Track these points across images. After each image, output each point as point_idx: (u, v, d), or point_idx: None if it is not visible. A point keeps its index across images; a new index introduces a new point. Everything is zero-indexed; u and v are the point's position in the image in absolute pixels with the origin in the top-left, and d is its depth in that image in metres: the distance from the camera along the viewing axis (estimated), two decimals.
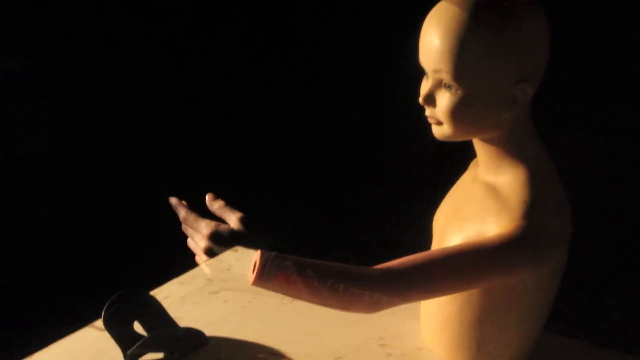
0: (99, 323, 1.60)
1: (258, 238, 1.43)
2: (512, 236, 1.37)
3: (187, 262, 1.84)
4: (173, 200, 1.56)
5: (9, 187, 3.39)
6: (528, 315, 1.49)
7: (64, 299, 2.78)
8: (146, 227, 2.96)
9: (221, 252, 1.47)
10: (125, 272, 2.78)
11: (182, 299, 1.72)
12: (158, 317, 1.56)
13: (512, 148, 1.45)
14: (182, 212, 1.52)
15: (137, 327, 1.56)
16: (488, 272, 1.38)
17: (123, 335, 1.52)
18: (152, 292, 1.75)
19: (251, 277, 1.31)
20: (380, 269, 1.34)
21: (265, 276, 1.30)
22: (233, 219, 1.46)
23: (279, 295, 1.71)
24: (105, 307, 1.52)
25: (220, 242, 1.44)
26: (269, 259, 1.30)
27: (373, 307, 1.35)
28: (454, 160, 1.68)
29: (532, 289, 1.45)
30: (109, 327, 1.51)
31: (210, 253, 1.45)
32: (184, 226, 1.50)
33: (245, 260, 1.83)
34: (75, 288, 2.82)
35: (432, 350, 1.56)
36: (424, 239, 1.64)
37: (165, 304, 1.67)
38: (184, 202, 1.57)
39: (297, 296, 1.33)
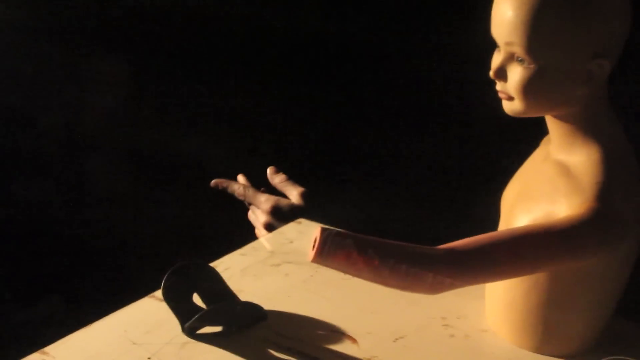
0: (159, 294, 1.59)
1: (319, 214, 1.39)
2: (584, 218, 1.31)
3: (249, 234, 1.82)
4: (218, 182, 1.52)
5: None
6: (597, 300, 1.44)
7: (125, 269, 2.78)
8: (208, 198, 2.93)
9: (281, 226, 1.44)
10: (187, 244, 2.77)
11: (242, 272, 1.69)
12: (218, 289, 1.54)
13: (587, 126, 1.39)
14: (239, 189, 1.49)
15: (197, 299, 1.54)
16: (556, 255, 1.32)
17: (182, 308, 1.50)
18: (213, 264, 1.73)
19: (311, 254, 1.28)
20: (445, 249, 1.30)
21: (325, 253, 1.27)
22: (294, 194, 1.42)
23: None
24: (164, 279, 1.51)
25: (280, 216, 1.40)
26: (330, 236, 1.27)
27: (435, 288, 1.31)
28: (525, 137, 1.62)
29: (602, 273, 1.39)
30: (168, 298, 1.50)
31: (270, 228, 1.43)
32: (244, 198, 1.47)
33: (307, 234, 1.80)
34: (137, 258, 2.81)
35: (496, 332, 1.52)
36: (493, 218, 1.59)
37: (225, 276, 1.65)
38: (237, 181, 1.52)
39: (357, 275, 1.30)
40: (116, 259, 2.83)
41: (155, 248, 2.77)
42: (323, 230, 1.27)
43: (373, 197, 2.76)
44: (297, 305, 1.59)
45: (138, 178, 3.17)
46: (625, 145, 1.40)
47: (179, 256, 1.65)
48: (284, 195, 1.44)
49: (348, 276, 1.56)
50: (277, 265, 1.73)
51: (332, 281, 1.67)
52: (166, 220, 2.96)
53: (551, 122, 1.42)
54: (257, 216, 1.42)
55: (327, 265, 1.28)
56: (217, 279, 1.55)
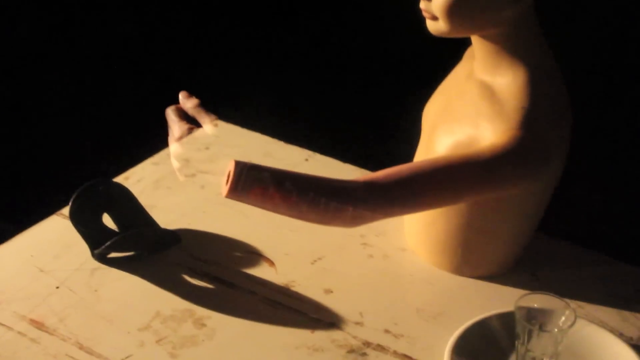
0: (67, 211, 1.52)
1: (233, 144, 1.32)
2: (507, 148, 1.27)
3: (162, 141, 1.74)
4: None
5: None
6: (517, 224, 1.41)
7: (28, 185, 2.65)
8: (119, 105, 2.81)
9: None
10: (99, 153, 2.66)
11: (155, 183, 1.63)
12: (129, 208, 1.48)
13: (513, 48, 1.33)
14: (168, 109, 1.39)
15: (107, 219, 1.48)
16: (479, 186, 1.29)
17: (91, 231, 1.44)
18: (124, 175, 1.66)
19: (224, 188, 1.22)
20: (364, 182, 1.25)
21: (240, 188, 1.21)
22: (207, 122, 1.34)
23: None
24: (71, 202, 1.43)
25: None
26: (245, 170, 1.21)
27: (355, 221, 1.27)
28: (446, 51, 1.56)
29: (523, 199, 1.36)
30: (76, 222, 1.43)
31: (180, 156, 1.35)
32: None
33: (226, 139, 1.73)
34: (41, 173, 2.68)
35: (415, 252, 1.49)
36: (414, 132, 1.54)
37: (137, 189, 1.59)
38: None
39: (274, 210, 1.25)
40: (18, 174, 2.71)
41: (61, 161, 2.66)
42: (237, 163, 1.21)
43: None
44: (212, 223, 1.54)
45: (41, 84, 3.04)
46: (552, 69, 1.35)
47: (87, 168, 1.58)
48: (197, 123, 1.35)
49: None
50: (192, 175, 1.66)
51: None
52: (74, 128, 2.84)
53: (477, 42, 1.36)
54: (169, 143, 1.35)
55: (241, 201, 1.23)
56: (127, 197, 1.49)
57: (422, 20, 1.33)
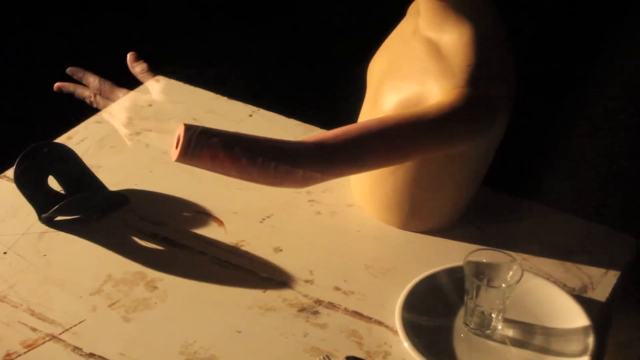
0: (11, 173, 1.50)
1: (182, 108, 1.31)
2: (454, 105, 1.28)
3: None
4: (74, 70, 1.38)
5: None
6: (463, 180, 1.43)
7: None
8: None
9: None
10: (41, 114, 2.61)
11: (99, 143, 1.62)
12: (75, 169, 1.47)
13: (460, 5, 1.33)
14: (94, 81, 1.37)
15: (52, 182, 1.46)
16: (427, 144, 1.30)
17: (37, 194, 1.43)
18: (67, 134, 1.64)
19: (174, 152, 1.22)
20: (314, 143, 1.26)
21: (190, 153, 1.21)
22: (154, 86, 1.33)
23: None
24: (15, 165, 1.42)
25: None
26: (195, 135, 1.21)
27: (306, 182, 1.28)
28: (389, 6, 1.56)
29: (469, 155, 1.38)
30: (22, 186, 1.42)
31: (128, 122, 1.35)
32: (96, 97, 1.36)
33: (169, 95, 1.72)
34: None
35: (362, 208, 1.51)
36: (359, 87, 1.55)
37: (81, 148, 1.58)
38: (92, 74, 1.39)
39: (225, 174, 1.25)
40: None
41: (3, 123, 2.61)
42: (187, 128, 1.21)
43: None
44: (159, 182, 1.53)
45: None
46: (498, 26, 1.36)
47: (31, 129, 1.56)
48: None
49: None
50: (136, 133, 1.65)
51: None
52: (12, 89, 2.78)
53: None
54: (112, 112, 1.33)
55: (191, 165, 1.23)
56: (72, 159, 1.47)
57: None
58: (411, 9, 1.50)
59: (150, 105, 1.66)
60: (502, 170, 1.57)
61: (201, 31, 3.06)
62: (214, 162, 1.22)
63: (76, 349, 1.22)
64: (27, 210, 1.44)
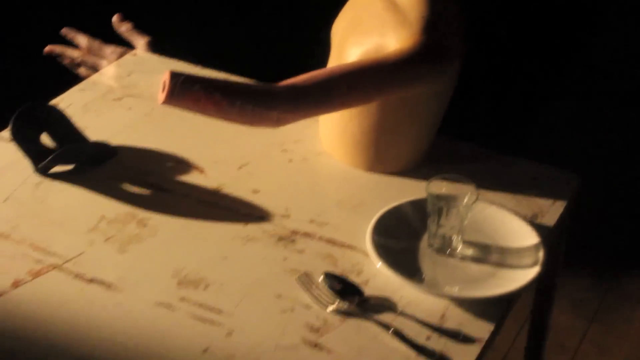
0: (5, 134, 1.62)
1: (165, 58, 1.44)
2: (412, 51, 1.43)
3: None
4: (67, 31, 1.50)
5: None
6: (424, 123, 1.58)
7: None
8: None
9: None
10: (25, 83, 2.74)
11: (84, 108, 1.74)
12: (65, 128, 1.59)
13: None
14: (84, 41, 1.50)
15: (45, 139, 1.58)
16: (389, 86, 1.45)
17: (32, 149, 1.55)
18: (52, 102, 1.76)
19: (161, 96, 1.35)
20: (286, 87, 1.40)
21: (175, 97, 1.34)
22: (141, 43, 1.46)
23: None
24: (11, 122, 1.54)
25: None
26: (179, 82, 1.34)
27: (280, 122, 1.42)
28: None
29: (426, 99, 1.53)
30: (18, 140, 1.54)
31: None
32: (84, 55, 1.48)
33: (145, 65, 1.85)
34: None
35: (331, 154, 1.64)
36: (323, 49, 1.69)
37: (68, 113, 1.69)
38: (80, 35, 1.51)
39: (206, 115, 1.39)
40: None
41: None
42: (173, 75, 1.34)
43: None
44: (143, 139, 1.66)
45: None
46: None
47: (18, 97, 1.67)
48: (129, 45, 1.47)
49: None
50: (118, 99, 1.78)
51: (174, 113, 1.73)
52: None
53: None
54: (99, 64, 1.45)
55: (176, 107, 1.36)
56: (63, 119, 1.60)
57: None
58: None
59: (129, 75, 1.80)
60: (461, 121, 1.72)
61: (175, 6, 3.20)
62: (196, 106, 1.36)
63: (78, 275, 1.34)
64: (22, 165, 1.56)
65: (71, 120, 1.60)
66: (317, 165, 1.63)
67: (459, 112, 1.71)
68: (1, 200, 1.49)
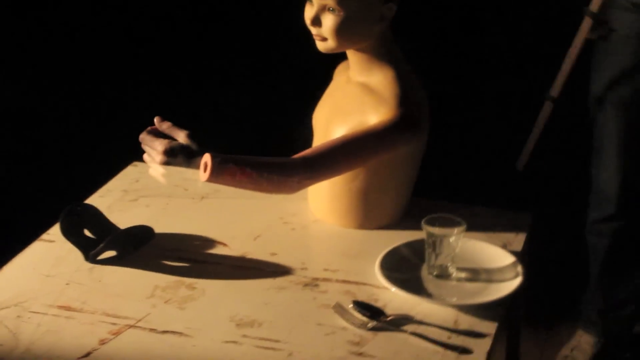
0: (46, 236, 1.90)
1: (202, 148, 1.72)
2: (393, 121, 1.78)
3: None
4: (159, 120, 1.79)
5: None
6: (402, 183, 1.93)
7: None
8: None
9: (175, 163, 1.75)
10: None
11: (108, 209, 2.01)
12: (102, 223, 1.86)
13: (380, 54, 1.85)
14: (142, 135, 1.78)
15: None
16: (377, 150, 1.80)
17: (80, 241, 1.82)
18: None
19: (203, 175, 1.66)
20: (300, 158, 1.74)
21: (215, 175, 1.65)
22: (181, 136, 1.74)
23: (190, 195, 2.07)
24: (60, 219, 1.81)
25: (173, 155, 1.72)
26: (216, 163, 1.65)
27: (300, 187, 1.75)
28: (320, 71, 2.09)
29: (403, 163, 1.88)
30: (68, 235, 1.81)
31: (166, 164, 1.74)
32: (142, 145, 1.78)
33: (146, 172, 2.16)
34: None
35: (325, 221, 1.96)
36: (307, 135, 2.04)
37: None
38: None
39: (241, 187, 1.70)
40: None
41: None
42: (213, 156, 1.65)
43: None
44: (167, 227, 1.94)
45: None
46: (408, 66, 1.88)
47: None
48: (173, 139, 1.75)
49: (197, 200, 1.97)
50: (135, 200, 2.07)
51: (187, 205, 2.04)
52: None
53: (352, 54, 1.87)
54: (154, 157, 1.73)
55: (216, 182, 1.67)
56: (98, 214, 1.87)
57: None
58: (338, 70, 2.01)
59: (137, 181, 2.10)
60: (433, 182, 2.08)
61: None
62: (233, 179, 1.67)
63: (152, 330, 1.60)
64: (70, 257, 1.82)
65: (107, 217, 1.87)
66: (316, 229, 1.95)
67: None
68: (64, 284, 1.74)
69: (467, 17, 4.10)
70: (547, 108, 2.69)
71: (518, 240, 1.90)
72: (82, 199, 2.06)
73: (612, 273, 2.78)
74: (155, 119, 1.77)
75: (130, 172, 2.19)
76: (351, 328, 1.61)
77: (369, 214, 1.93)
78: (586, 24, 2.55)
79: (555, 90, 2.65)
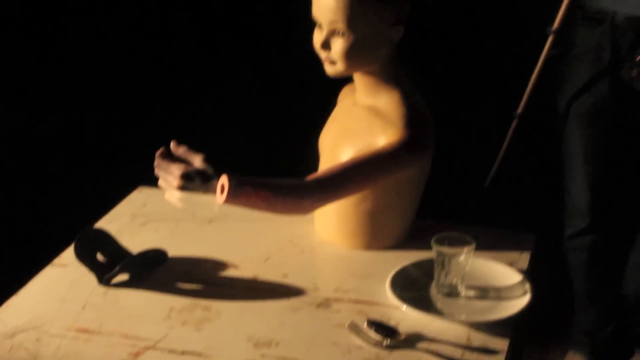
0: (58, 260, 1.92)
1: (218, 171, 1.75)
2: (401, 142, 1.82)
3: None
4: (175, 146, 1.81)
5: None
6: (407, 205, 1.96)
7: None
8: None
9: (191, 188, 1.77)
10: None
11: (118, 232, 2.03)
12: (114, 246, 1.89)
13: (386, 76, 1.90)
14: (157, 160, 1.80)
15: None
16: (387, 170, 1.83)
17: (94, 265, 1.84)
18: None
19: (221, 197, 1.68)
20: (313, 180, 1.77)
21: (231, 197, 1.68)
22: (197, 160, 1.77)
23: (198, 220, 2.10)
24: (74, 244, 1.83)
25: (190, 179, 1.74)
26: (232, 185, 1.68)
27: (314, 207, 1.79)
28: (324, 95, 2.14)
29: (412, 181, 1.92)
30: (82, 259, 1.83)
31: (183, 189, 1.76)
32: (156, 170, 1.80)
33: (151, 198, 2.19)
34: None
35: (332, 242, 2.00)
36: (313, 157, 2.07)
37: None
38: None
39: (257, 208, 1.73)
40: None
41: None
42: (230, 178, 1.68)
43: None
44: (178, 251, 1.97)
45: None
46: (413, 88, 1.92)
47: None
48: (188, 163, 1.78)
49: (207, 223, 2.00)
50: (143, 224, 2.10)
51: (195, 228, 2.07)
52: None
53: (359, 77, 1.92)
54: (170, 182, 1.75)
55: (233, 204, 1.70)
56: (110, 238, 1.90)
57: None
58: (342, 93, 2.06)
59: (144, 205, 2.13)
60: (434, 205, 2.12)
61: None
62: (249, 201, 1.70)
63: (171, 351, 1.63)
64: (83, 282, 1.84)
65: (118, 241, 1.90)
66: (324, 251, 1.99)
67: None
68: (80, 308, 1.77)
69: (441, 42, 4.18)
70: (513, 125, 2.83)
71: (523, 259, 1.94)
72: (89, 224, 2.09)
73: (593, 290, 2.82)
74: (171, 144, 1.79)
75: (136, 197, 2.22)
76: (367, 347, 1.64)
77: (376, 235, 1.96)
78: (549, 42, 2.71)
79: (520, 107, 2.79)
